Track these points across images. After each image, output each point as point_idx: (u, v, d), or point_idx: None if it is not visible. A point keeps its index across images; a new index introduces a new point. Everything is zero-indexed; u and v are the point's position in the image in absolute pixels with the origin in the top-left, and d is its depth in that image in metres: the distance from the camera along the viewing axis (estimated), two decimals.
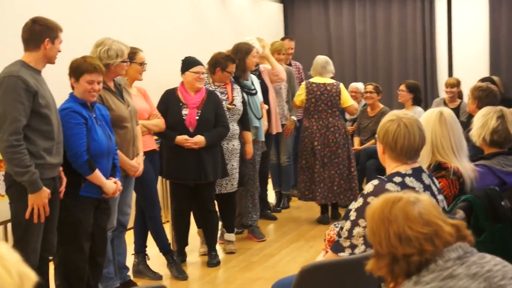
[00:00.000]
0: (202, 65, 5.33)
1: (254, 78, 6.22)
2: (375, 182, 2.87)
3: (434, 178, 3.06)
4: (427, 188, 2.93)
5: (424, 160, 3.37)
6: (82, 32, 5.78)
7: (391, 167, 2.98)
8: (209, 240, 5.54)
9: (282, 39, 8.07)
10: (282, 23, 10.67)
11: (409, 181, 2.89)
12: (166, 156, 5.32)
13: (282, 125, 7.11)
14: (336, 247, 2.89)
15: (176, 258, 5.20)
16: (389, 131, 2.92)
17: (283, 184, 7.47)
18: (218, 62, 5.57)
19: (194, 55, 5.61)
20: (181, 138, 5.19)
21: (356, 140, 7.82)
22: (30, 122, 3.63)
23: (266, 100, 6.49)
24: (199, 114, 5.27)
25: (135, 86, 5.11)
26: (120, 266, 4.76)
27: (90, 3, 6.25)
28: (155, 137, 5.30)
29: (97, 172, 4.01)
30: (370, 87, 7.87)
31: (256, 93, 6.07)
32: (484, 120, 3.71)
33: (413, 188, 2.87)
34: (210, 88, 5.55)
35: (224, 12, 8.82)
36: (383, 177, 2.89)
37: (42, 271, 3.87)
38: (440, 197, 3.00)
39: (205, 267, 5.43)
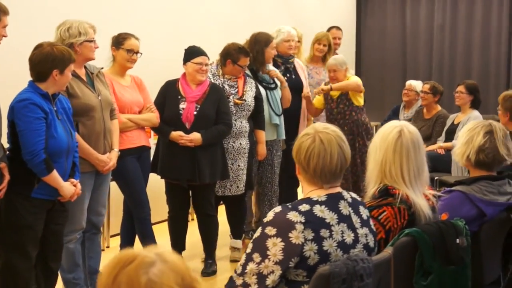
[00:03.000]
0: (205, 55, 4.89)
1: (276, 70, 5.68)
2: (278, 209, 2.36)
3: (362, 207, 2.49)
4: (343, 219, 2.38)
5: (371, 183, 2.79)
6: (117, 19, 5.55)
7: (306, 191, 2.45)
8: (206, 246, 5.09)
9: (330, 28, 7.47)
10: (354, 15, 10.00)
11: (319, 210, 2.35)
12: (161, 153, 4.93)
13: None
14: (229, 285, 2.39)
15: None
16: (302, 148, 2.41)
17: None
18: (229, 54, 5.10)
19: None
20: (175, 134, 4.77)
21: None
22: None
23: (299, 98, 5.96)
24: (197, 109, 4.83)
25: (130, 76, 4.76)
26: (91, 271, 4.39)
27: None
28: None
29: (55, 173, 3.63)
30: (426, 87, 7.12)
31: (276, 88, 5.54)
32: (469, 136, 3.06)
33: (322, 220, 2.33)
34: (218, 81, 5.10)
35: (281, 1, 8.31)
36: (287, 204, 2.36)
37: None
38: (362, 230, 2.43)
39: (199, 277, 4.99)
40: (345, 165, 2.44)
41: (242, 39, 5.69)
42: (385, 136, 2.81)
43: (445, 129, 6.83)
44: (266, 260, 2.29)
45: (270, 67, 5.62)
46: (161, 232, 5.37)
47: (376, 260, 2.36)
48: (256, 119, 5.25)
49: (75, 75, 4.08)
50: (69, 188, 3.74)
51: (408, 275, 2.57)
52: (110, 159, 4.21)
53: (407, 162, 2.75)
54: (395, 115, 7.59)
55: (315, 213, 2.33)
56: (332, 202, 2.39)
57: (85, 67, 4.20)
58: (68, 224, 4.12)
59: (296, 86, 5.88)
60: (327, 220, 2.34)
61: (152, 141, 5.27)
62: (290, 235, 2.28)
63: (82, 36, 4.05)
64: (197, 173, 4.78)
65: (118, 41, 4.60)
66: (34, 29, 4.59)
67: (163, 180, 5.02)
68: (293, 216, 2.31)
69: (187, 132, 4.78)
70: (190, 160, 4.77)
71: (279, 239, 2.28)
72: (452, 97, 7.43)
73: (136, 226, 4.76)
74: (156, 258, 1.35)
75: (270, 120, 5.45)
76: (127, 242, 4.91)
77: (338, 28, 7.45)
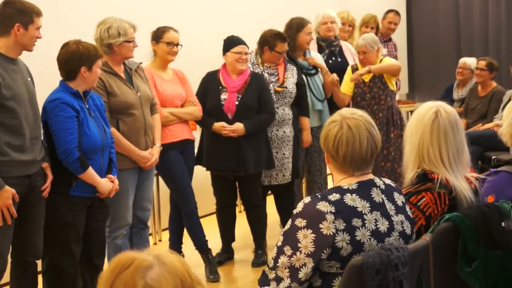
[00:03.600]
0: (245, 44, 4.81)
1: (318, 56, 5.55)
2: (307, 200, 2.27)
3: (396, 194, 2.37)
4: (376, 207, 2.27)
5: (409, 168, 2.66)
6: (156, 13, 5.54)
7: (337, 179, 2.36)
8: (255, 237, 5.04)
9: (388, 12, 7.24)
10: None
11: (350, 199, 2.25)
12: (205, 145, 4.90)
13: None
14: (262, 279, 2.33)
15: (211, 257, 4.75)
16: (330, 136, 2.32)
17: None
18: (265, 41, 5.01)
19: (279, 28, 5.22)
20: (218, 125, 4.72)
21: (462, 122, 6.85)
22: None
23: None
24: (239, 99, 4.76)
25: (172, 69, 4.73)
26: None
27: None
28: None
29: (90, 170, 3.64)
30: (482, 63, 6.88)
31: (316, 73, 5.41)
32: None
33: (354, 208, 2.23)
34: (258, 70, 5.02)
35: None
36: (317, 194, 2.27)
37: (26, 276, 3.62)
38: (398, 218, 2.31)
39: (249, 267, 4.96)
40: (375, 151, 2.34)
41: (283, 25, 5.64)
42: (421, 117, 2.67)
43: (501, 106, 6.58)
44: (298, 253, 2.21)
45: (313, 53, 5.49)
46: (211, 225, 5.35)
47: (413, 248, 2.24)
48: (300, 105, 5.14)
49: (113, 72, 4.08)
50: (106, 184, 3.73)
51: (451, 263, 2.44)
52: (152, 154, 4.19)
53: (445, 144, 2.62)
54: (448, 94, 7.36)
55: (346, 202, 2.24)
56: (363, 189, 2.28)
57: (124, 64, 4.19)
58: (114, 220, 4.15)
59: (342, 69, 5.72)
60: (359, 209, 2.24)
61: (197, 134, 5.23)
62: (320, 226, 2.19)
63: (121, 37, 4.03)
64: (242, 164, 4.72)
65: (158, 35, 4.57)
66: (73, 28, 4.58)
67: (209, 172, 4.98)
68: (323, 206, 2.22)
69: (230, 122, 4.72)
70: (234, 150, 4.71)
71: (310, 231, 2.20)
72: (509, 73, 7.16)
73: (184, 220, 4.74)
74: (154, 261, 1.28)
75: (313, 106, 5.32)
76: (175, 236, 4.90)
77: (397, 13, 7.14)
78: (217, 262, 4.82)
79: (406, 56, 9.65)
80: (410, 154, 2.68)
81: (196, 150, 4.95)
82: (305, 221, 2.22)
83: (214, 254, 4.84)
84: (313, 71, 5.39)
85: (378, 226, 2.26)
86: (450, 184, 2.55)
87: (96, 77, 3.70)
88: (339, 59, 5.86)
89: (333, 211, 2.21)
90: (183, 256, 4.85)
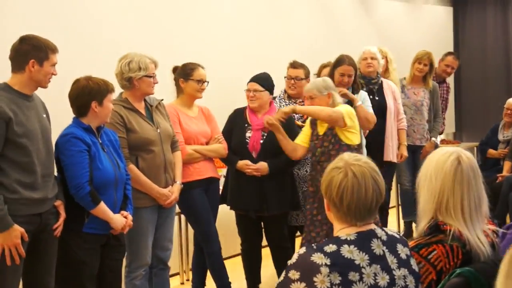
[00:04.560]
0: (253, 81, 4.68)
1: (362, 93, 5.38)
2: (302, 250, 2.12)
3: (400, 246, 2.19)
4: (376, 260, 2.10)
5: (424, 216, 2.47)
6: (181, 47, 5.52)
7: (336, 229, 2.20)
8: None
9: (447, 54, 7.03)
10: (451, 30, 9.51)
11: (347, 251, 2.09)
12: (230, 183, 4.78)
13: (421, 147, 6.24)
14: None
15: None
16: (334, 183, 2.17)
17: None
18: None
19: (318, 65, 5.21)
20: (242, 164, 4.61)
21: (507, 165, 6.57)
22: (5, 152, 3.27)
23: (383, 121, 5.62)
24: (264, 137, 4.65)
25: (198, 106, 4.66)
26: None
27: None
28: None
29: (102, 205, 3.57)
30: None
31: None
32: None
33: (351, 261, 2.06)
34: (283, 104, 4.90)
35: (365, 16, 8.00)
36: (313, 245, 2.12)
37: None
38: (400, 272, 2.14)
39: None
40: (380, 200, 2.19)
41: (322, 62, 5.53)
42: (441, 163, 2.48)
43: None
44: None
45: (361, 92, 5.29)
46: (236, 266, 5.19)
47: None
48: None
49: (133, 109, 4.04)
50: (119, 219, 3.65)
51: None
52: (172, 192, 4.10)
53: (468, 192, 2.42)
54: (494, 135, 7.09)
55: (343, 254, 2.08)
56: (362, 241, 2.12)
57: (145, 100, 4.14)
58: (133, 260, 4.06)
59: (379, 108, 5.55)
60: (357, 262, 2.07)
61: (222, 172, 5.12)
62: (314, 279, 2.04)
63: (142, 72, 3.99)
64: (265, 204, 4.59)
65: (186, 73, 4.50)
66: (91, 64, 4.58)
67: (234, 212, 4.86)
68: (317, 258, 2.06)
69: (254, 161, 4.60)
70: (257, 190, 4.59)
71: (303, 284, 2.05)
72: None
73: (207, 261, 4.62)
74: None
75: None
76: (198, 276, 4.79)
77: (456, 58, 6.97)
78: None
79: (454, 95, 9.40)
80: (427, 203, 2.48)
81: (221, 188, 4.84)
82: (298, 273, 2.07)
83: None
84: None
85: (377, 280, 2.08)
86: (463, 237, 2.35)
87: (108, 112, 3.65)
88: (377, 98, 5.69)
89: (328, 263, 2.05)
90: None
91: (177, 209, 4.55)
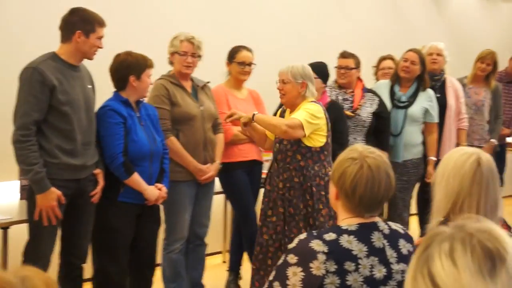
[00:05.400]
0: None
1: (431, 93, 5.26)
2: (302, 236, 2.13)
3: (403, 241, 2.17)
4: (374, 252, 2.10)
5: (437, 215, 2.42)
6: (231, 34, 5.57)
7: (340, 218, 2.20)
8: None
9: None
10: None
11: (346, 240, 2.08)
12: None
13: (479, 148, 6.06)
14: None
15: None
16: (347, 174, 2.16)
17: None
18: None
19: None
20: None
21: None
22: (48, 118, 3.41)
23: (441, 120, 5.48)
24: None
25: (248, 89, 4.72)
26: (193, 283, 4.37)
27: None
28: None
29: (136, 176, 3.68)
30: None
31: (404, 107, 5.14)
32: None
33: (348, 251, 2.07)
34: (333, 93, 4.86)
35: (435, 10, 7.81)
36: (313, 231, 2.13)
37: (71, 278, 3.68)
38: (398, 266, 2.12)
39: None
40: (390, 194, 2.19)
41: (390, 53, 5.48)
42: (460, 164, 2.42)
43: None
44: None
45: (429, 90, 5.22)
46: None
47: None
48: (379, 138, 4.91)
49: (179, 85, 4.14)
50: (153, 191, 3.74)
51: None
52: (210, 169, 4.16)
53: (485, 195, 2.36)
54: None
55: (341, 244, 2.07)
56: (363, 232, 2.11)
57: (192, 80, 4.22)
58: (171, 233, 4.16)
59: (438, 105, 5.43)
60: (354, 252, 2.07)
61: (269, 157, 5.14)
62: (311, 265, 2.05)
63: (172, 48, 4.15)
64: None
65: (231, 55, 4.61)
66: (138, 41, 4.69)
67: None
68: (316, 245, 2.07)
69: None
70: None
71: (300, 269, 2.06)
72: None
73: (244, 242, 4.66)
74: (18, 283, 1.20)
75: None
76: (235, 256, 4.83)
77: None
78: None
79: None
80: (442, 202, 2.42)
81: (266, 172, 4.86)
82: (296, 257, 2.08)
83: None
84: (400, 104, 5.14)
85: (373, 272, 2.07)
86: None
87: (146, 86, 3.74)
88: (438, 95, 5.56)
89: (326, 251, 2.05)
90: (241, 278, 4.77)
91: (221, 188, 4.63)
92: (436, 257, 1.11)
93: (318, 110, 3.96)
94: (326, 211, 3.90)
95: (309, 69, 4.07)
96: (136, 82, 3.69)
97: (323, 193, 3.93)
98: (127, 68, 3.67)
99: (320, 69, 4.61)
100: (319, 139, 3.99)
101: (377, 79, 5.66)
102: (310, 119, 3.89)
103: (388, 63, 5.66)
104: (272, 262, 3.90)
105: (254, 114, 3.94)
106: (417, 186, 5.39)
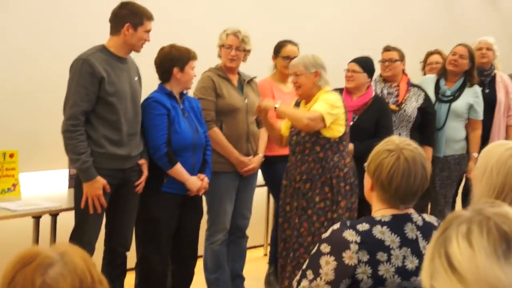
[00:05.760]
0: (354, 62, 4.63)
1: (477, 90, 5.20)
2: (336, 226, 2.17)
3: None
4: (407, 243, 2.12)
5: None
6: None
7: (375, 209, 2.22)
8: None
9: None
10: None
11: (379, 231, 2.12)
12: None
13: None
14: None
15: None
16: (384, 165, 2.18)
17: None
18: None
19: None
20: None
21: None
22: (96, 108, 3.52)
23: (490, 116, 5.41)
24: (354, 119, 4.63)
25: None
26: (233, 275, 4.44)
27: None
28: None
29: (178, 166, 3.76)
30: None
31: (448, 102, 5.10)
32: None
33: (380, 242, 2.09)
34: (378, 86, 4.86)
35: (490, 6, 7.69)
36: (347, 221, 2.16)
37: (115, 265, 3.78)
38: None
39: None
40: (425, 186, 2.20)
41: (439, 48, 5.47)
42: (504, 159, 2.39)
43: None
44: (318, 279, 2.11)
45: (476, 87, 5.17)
46: None
47: None
48: (424, 133, 4.89)
49: (226, 77, 4.23)
50: (195, 181, 3.82)
51: None
52: (252, 162, 4.22)
53: None
54: None
55: (374, 234, 2.10)
56: (396, 223, 2.14)
57: (239, 74, 4.32)
58: (213, 224, 4.23)
59: (487, 101, 5.34)
60: (387, 243, 2.10)
61: None
62: (343, 254, 2.08)
63: (220, 41, 4.21)
64: None
65: (276, 49, 4.69)
66: (184, 35, 4.78)
67: None
68: (348, 235, 2.10)
69: None
70: None
71: (332, 258, 2.10)
72: None
73: None
74: (57, 258, 1.28)
75: None
76: (274, 248, 4.86)
77: None
78: None
79: None
80: (484, 196, 2.41)
81: None
82: (329, 247, 2.12)
83: None
84: (444, 98, 5.10)
85: (405, 263, 2.10)
86: None
87: (189, 78, 3.83)
88: (487, 90, 5.49)
89: (358, 241, 2.09)
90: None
91: (263, 181, 4.68)
92: (453, 239, 1.14)
93: (337, 99, 3.97)
94: (345, 202, 3.91)
95: (320, 58, 4.05)
96: (179, 74, 3.78)
97: (342, 184, 3.93)
98: (171, 60, 3.77)
99: (365, 64, 4.62)
100: (338, 128, 3.97)
101: (424, 74, 5.62)
102: (331, 110, 3.89)
103: (435, 57, 5.60)
104: (294, 256, 3.91)
105: (275, 106, 3.90)
106: (463, 184, 5.35)
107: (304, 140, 3.96)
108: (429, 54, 5.66)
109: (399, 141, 2.24)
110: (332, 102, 3.91)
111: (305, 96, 4.04)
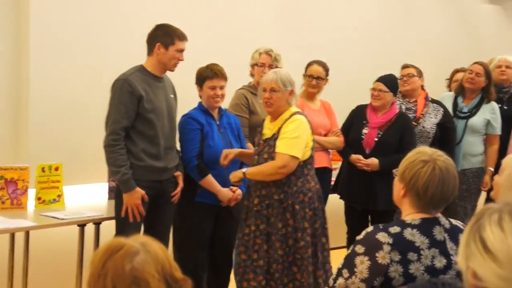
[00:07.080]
0: (379, 81, 4.83)
1: (495, 106, 5.39)
2: (369, 229, 2.39)
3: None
4: (435, 244, 2.32)
5: None
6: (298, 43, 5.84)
7: (405, 213, 2.42)
8: None
9: None
10: None
11: (410, 233, 2.32)
12: (342, 175, 5.03)
13: None
14: None
15: None
16: (421, 175, 2.38)
17: None
18: None
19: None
20: (354, 157, 4.80)
21: None
22: (135, 124, 3.77)
23: (508, 131, 5.56)
24: (379, 135, 4.83)
25: (320, 100, 5.00)
26: None
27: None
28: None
29: (210, 178, 3.99)
30: None
31: (465, 118, 5.29)
32: None
33: (411, 243, 2.29)
34: (397, 102, 5.05)
35: (507, 24, 7.86)
36: (380, 225, 2.36)
37: None
38: None
39: None
40: (455, 194, 2.42)
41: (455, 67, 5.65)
42: None
43: None
44: (353, 277, 2.31)
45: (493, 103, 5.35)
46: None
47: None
48: (444, 149, 5.01)
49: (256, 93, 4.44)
50: (226, 192, 4.03)
51: None
52: None
53: None
54: None
55: (405, 236, 2.31)
56: (425, 226, 2.34)
57: None
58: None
59: (504, 117, 5.52)
60: (417, 244, 2.30)
61: (338, 165, 5.36)
62: (377, 254, 2.28)
63: (252, 60, 4.47)
64: (372, 198, 4.76)
65: (305, 68, 4.92)
66: (220, 53, 5.02)
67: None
68: (381, 236, 2.30)
69: (366, 157, 4.79)
70: (366, 184, 4.76)
71: (367, 258, 2.29)
72: None
73: None
74: (140, 247, 1.48)
75: None
76: None
77: None
78: None
79: None
80: None
81: (334, 179, 5.10)
82: (364, 248, 2.31)
83: None
84: (461, 114, 5.29)
85: (434, 262, 2.29)
86: None
87: (206, 96, 4.05)
88: (506, 107, 5.65)
89: (391, 242, 2.28)
90: None
91: None
92: (487, 225, 1.37)
93: (300, 124, 3.85)
94: (310, 229, 3.88)
95: (290, 76, 3.96)
96: (200, 92, 4.08)
97: (307, 210, 3.88)
98: (197, 79, 4.08)
99: (391, 83, 4.82)
100: (304, 152, 3.87)
101: (450, 91, 5.80)
102: (296, 144, 3.81)
103: (461, 75, 5.76)
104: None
105: (243, 172, 3.87)
106: (483, 196, 5.50)
107: (266, 162, 3.84)
108: (456, 71, 5.85)
109: (431, 152, 2.44)
110: (294, 133, 3.81)
111: (275, 114, 3.93)
